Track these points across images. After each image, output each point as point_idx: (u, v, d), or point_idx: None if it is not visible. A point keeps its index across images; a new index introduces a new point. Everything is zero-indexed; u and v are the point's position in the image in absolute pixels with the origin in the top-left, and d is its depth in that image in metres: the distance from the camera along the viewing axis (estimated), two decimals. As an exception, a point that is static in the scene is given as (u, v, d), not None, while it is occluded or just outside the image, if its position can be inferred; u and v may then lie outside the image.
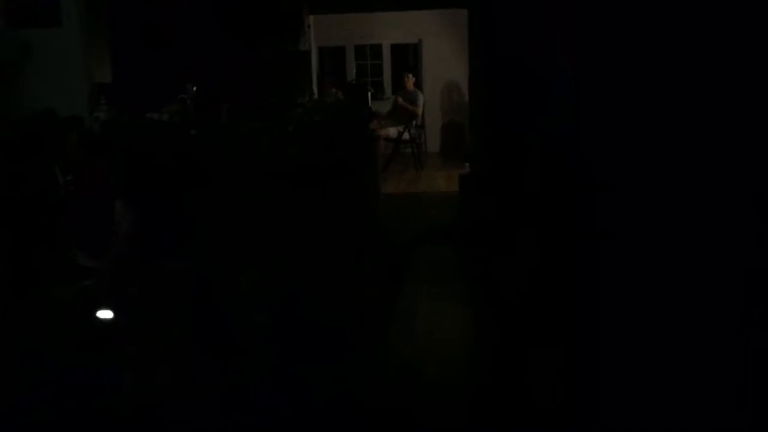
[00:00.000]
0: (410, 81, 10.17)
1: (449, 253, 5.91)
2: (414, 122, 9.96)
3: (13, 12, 5.39)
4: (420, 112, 10.14)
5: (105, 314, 4.31)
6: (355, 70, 11.75)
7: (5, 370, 3.77)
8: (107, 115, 5.26)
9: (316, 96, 8.65)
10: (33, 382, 3.61)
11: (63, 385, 3.59)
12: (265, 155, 5.16)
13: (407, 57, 11.81)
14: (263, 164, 5.36)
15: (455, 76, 11.05)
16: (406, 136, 9.76)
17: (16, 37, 5.32)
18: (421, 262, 5.64)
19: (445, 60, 11.13)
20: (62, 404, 3.38)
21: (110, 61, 5.60)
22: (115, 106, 5.31)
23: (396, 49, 11.80)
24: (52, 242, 4.88)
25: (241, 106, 5.57)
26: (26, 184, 4.91)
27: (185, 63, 5.78)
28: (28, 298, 4.57)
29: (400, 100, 9.98)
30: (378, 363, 3.83)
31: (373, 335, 4.22)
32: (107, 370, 3.72)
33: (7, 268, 4.63)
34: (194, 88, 5.24)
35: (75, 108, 5.29)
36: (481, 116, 6.49)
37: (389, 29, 11.45)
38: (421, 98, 10.11)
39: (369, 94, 8.27)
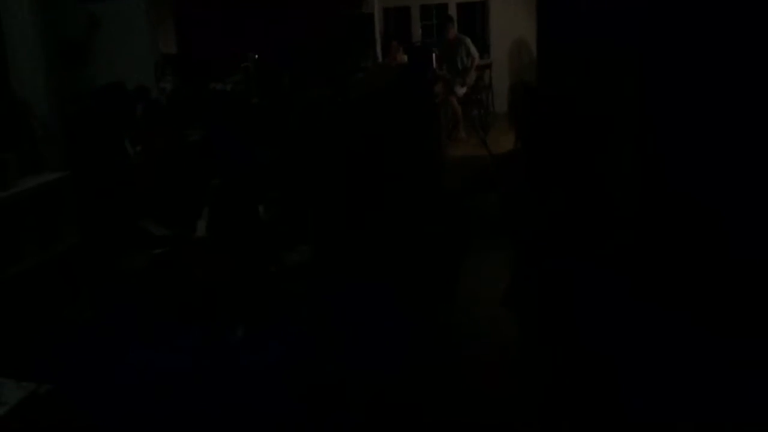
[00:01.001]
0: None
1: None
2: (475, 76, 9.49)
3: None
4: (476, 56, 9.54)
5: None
6: (420, 32, 11.56)
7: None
8: (173, 86, 5.35)
9: (380, 59, 8.56)
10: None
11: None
12: (327, 123, 5.16)
13: (474, 16, 11.53)
14: (325, 132, 5.36)
15: (524, 35, 10.73)
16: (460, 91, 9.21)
17: (84, 12, 5.44)
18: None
19: (512, 18, 10.81)
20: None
21: (175, 31, 5.67)
22: (181, 77, 5.39)
23: (462, 7, 11.52)
24: (124, 213, 5.05)
25: (304, 73, 5.57)
26: (98, 157, 5.07)
27: (248, 31, 5.80)
28: (104, 267, 4.76)
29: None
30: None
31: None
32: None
33: (83, 239, 4.82)
34: (256, 57, 5.26)
35: (142, 80, 5.40)
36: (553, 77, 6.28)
37: (455, -14, 11.20)
38: (468, 45, 9.47)
39: (434, 56, 8.13)
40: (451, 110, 9.09)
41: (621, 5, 4.27)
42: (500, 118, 10.80)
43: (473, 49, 9.45)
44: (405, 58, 8.64)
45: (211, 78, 5.42)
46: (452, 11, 11.51)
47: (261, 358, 3.66)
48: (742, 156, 3.19)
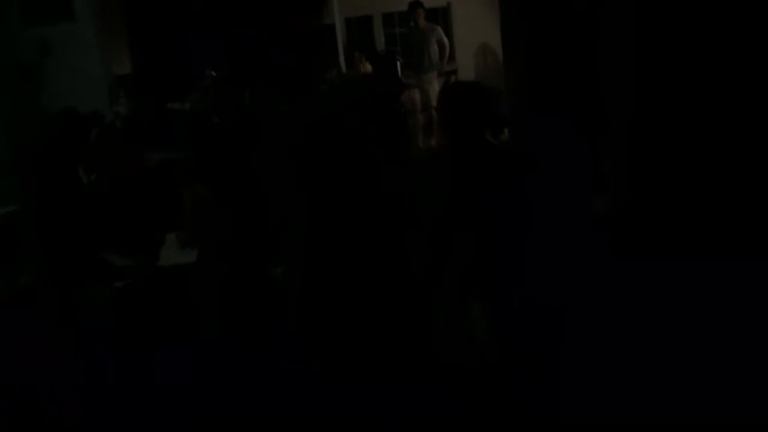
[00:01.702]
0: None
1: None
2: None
3: (28, 8, 5.27)
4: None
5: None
6: (383, 40, 11.43)
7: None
8: (127, 108, 5.12)
9: (344, 70, 8.40)
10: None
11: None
12: (292, 142, 4.95)
13: (437, 22, 11.43)
14: (291, 151, 5.15)
15: (488, 39, 10.65)
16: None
17: (34, 36, 5.20)
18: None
19: (475, 23, 10.73)
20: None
21: (128, 51, 5.45)
22: (136, 99, 5.17)
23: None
24: (83, 245, 4.80)
25: (265, 88, 5.38)
26: (51, 188, 4.82)
27: (206, 47, 5.60)
28: (65, 304, 4.51)
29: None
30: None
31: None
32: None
33: (40, 274, 4.57)
34: (213, 74, 5.07)
35: (96, 103, 5.17)
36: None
37: (417, -7, 11.07)
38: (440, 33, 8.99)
39: (398, 64, 7.99)
40: (424, 115, 8.70)
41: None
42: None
43: (445, 39, 9.04)
44: (369, 67, 8.50)
45: (168, 98, 5.21)
46: (415, 18, 11.40)
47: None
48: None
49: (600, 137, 4.18)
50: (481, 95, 3.33)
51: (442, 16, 11.40)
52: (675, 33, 2.82)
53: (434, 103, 9.05)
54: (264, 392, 3.56)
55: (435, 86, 8.99)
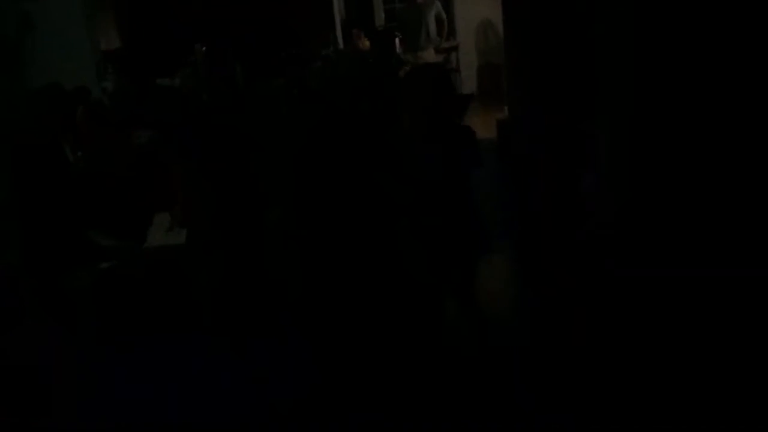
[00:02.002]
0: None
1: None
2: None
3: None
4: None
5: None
6: (383, 16, 11.21)
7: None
8: (115, 84, 4.97)
9: (341, 46, 8.21)
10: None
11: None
12: (284, 119, 4.82)
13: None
14: (283, 128, 5.01)
15: (489, 15, 10.43)
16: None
17: (15, 11, 5.03)
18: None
19: (476, -1, 10.50)
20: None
21: (116, 25, 5.28)
22: (123, 75, 5.01)
23: (425, -11, 11.17)
24: (68, 225, 4.67)
25: (257, 63, 5.21)
26: (36, 167, 4.68)
27: (195, 19, 5.40)
28: (47, 285, 4.39)
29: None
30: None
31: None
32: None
33: (23, 255, 4.44)
34: (203, 48, 4.90)
35: (82, 80, 5.01)
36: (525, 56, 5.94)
37: (418, -33, 10.83)
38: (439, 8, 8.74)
39: (397, 41, 7.80)
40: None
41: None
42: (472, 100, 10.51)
43: (444, 14, 8.83)
44: (368, 44, 8.30)
45: (156, 73, 5.05)
46: (415, -7, 11.17)
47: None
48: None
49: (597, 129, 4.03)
50: (440, 79, 3.25)
51: (443, -9, 11.19)
52: (675, 26, 2.67)
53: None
54: (256, 387, 3.45)
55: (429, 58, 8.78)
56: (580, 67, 4.50)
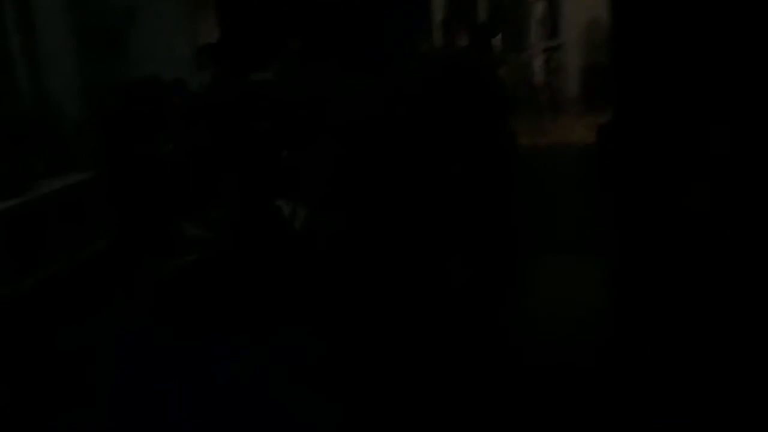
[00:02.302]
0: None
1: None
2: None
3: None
4: None
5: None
6: (487, 13, 10.91)
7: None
8: (210, 77, 5.01)
9: (437, 43, 8.01)
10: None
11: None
12: (373, 117, 4.71)
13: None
14: (370, 127, 4.90)
15: (597, 13, 9.97)
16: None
17: (121, 2, 5.16)
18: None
19: (586, -6, 10.05)
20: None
21: (215, 18, 5.34)
22: (220, 68, 5.05)
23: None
24: (158, 215, 4.76)
25: (350, 60, 5.13)
26: (131, 156, 4.79)
27: (294, 15, 5.38)
28: (132, 274, 4.47)
29: None
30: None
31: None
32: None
33: (114, 243, 4.56)
34: (298, 42, 4.87)
35: (180, 72, 5.08)
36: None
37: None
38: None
39: (499, 38, 7.53)
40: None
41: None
42: (571, 103, 10.12)
43: (549, 12, 8.33)
44: (467, 41, 8.06)
45: (253, 68, 5.06)
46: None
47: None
48: None
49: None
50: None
51: (549, -13, 10.78)
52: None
53: (537, 80, 8.43)
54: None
55: (538, 62, 8.39)
56: (696, 68, 4.18)
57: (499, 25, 8.60)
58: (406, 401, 2.96)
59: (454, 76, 5.94)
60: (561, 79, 9.78)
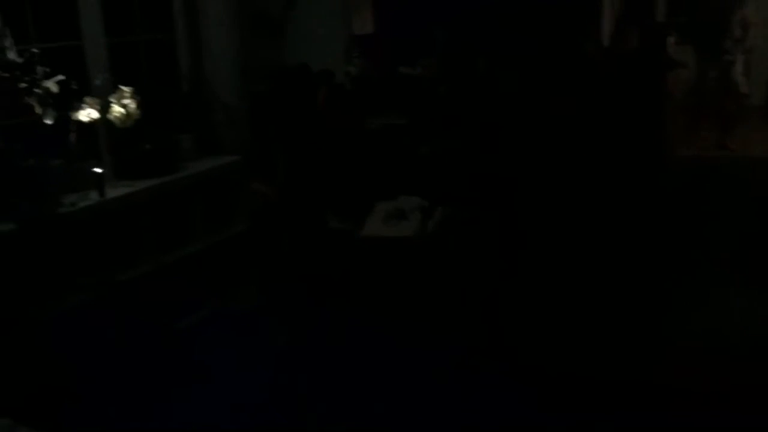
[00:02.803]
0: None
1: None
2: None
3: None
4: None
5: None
6: (666, 10, 10.15)
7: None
8: (359, 69, 5.03)
9: (605, 42, 7.54)
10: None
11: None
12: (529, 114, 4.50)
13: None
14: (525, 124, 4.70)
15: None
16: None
17: (281, -11, 5.30)
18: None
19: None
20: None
21: (372, 10, 5.34)
22: (368, 60, 5.06)
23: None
24: (300, 202, 4.85)
25: (503, 55, 4.93)
26: (275, 142, 4.92)
27: (452, 8, 5.24)
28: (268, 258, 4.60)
29: None
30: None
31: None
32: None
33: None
34: (446, 36, 4.76)
35: (332, 61, 5.15)
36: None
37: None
38: None
39: (673, 39, 6.97)
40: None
41: None
42: (755, 112, 9.18)
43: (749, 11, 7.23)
44: (638, 41, 7.52)
45: (401, 61, 5.02)
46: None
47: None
48: None
49: None
50: None
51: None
52: None
53: (743, 90, 7.47)
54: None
55: (738, 69, 7.45)
56: None
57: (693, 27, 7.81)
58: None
59: (626, 76, 5.58)
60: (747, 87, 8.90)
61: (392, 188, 4.63)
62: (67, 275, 3.52)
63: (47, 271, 3.42)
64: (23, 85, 3.53)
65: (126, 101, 3.83)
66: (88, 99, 3.80)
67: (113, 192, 3.78)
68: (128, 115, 3.83)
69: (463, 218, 4.76)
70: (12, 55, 3.54)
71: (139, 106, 3.88)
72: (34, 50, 3.61)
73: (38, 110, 3.57)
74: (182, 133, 4.45)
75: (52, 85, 3.60)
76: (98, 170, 3.68)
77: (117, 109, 3.80)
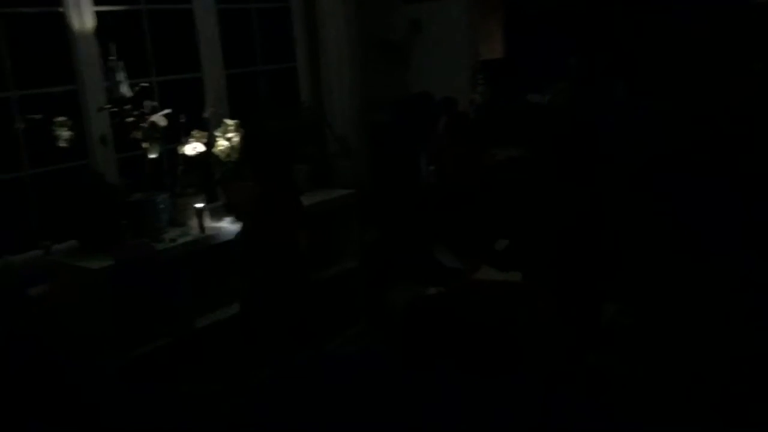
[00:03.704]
0: None
1: None
2: None
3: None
4: None
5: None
6: None
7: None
8: (483, 97, 4.69)
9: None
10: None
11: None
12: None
13: None
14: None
15: None
16: None
17: (407, 14, 5.10)
18: None
19: None
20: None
21: (501, 35, 4.99)
22: (495, 87, 4.71)
23: None
24: (413, 239, 4.58)
25: (643, 81, 4.40)
26: (389, 174, 4.69)
27: (575, 31, 4.77)
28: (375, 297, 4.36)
29: None
30: None
31: None
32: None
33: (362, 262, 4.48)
34: (579, 61, 4.33)
35: (458, 88, 4.85)
36: None
37: None
38: None
39: None
40: None
41: None
42: None
43: None
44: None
45: (530, 88, 4.63)
46: None
47: None
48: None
49: None
50: None
51: None
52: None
53: None
54: None
55: None
56: None
57: None
58: None
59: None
60: None
61: (516, 227, 4.22)
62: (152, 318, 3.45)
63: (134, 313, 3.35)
64: (130, 119, 3.53)
65: (230, 134, 3.74)
66: (195, 132, 3.74)
67: (214, 226, 3.69)
68: (232, 148, 3.73)
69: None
70: (124, 89, 3.56)
71: (245, 139, 3.77)
72: (144, 84, 3.62)
73: (144, 144, 3.56)
74: (294, 164, 4.31)
75: (159, 118, 3.58)
76: (200, 205, 3.59)
77: (221, 143, 3.71)
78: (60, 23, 3.60)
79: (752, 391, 3.21)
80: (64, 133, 3.41)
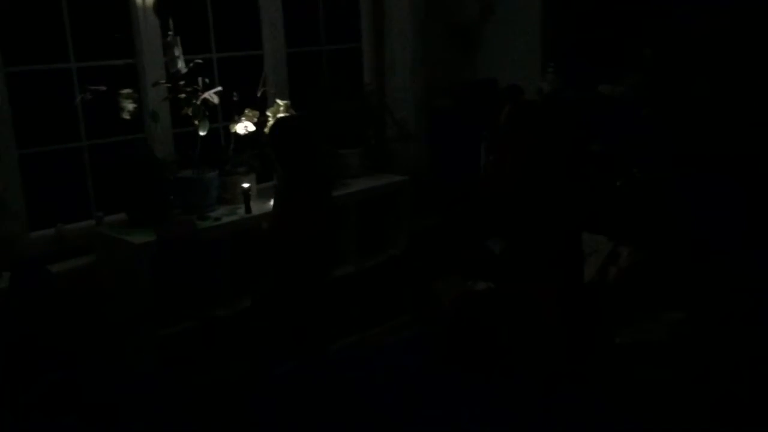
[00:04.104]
0: None
1: None
2: None
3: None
4: None
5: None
6: None
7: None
8: (552, 85, 4.47)
9: None
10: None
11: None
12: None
13: None
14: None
15: None
16: None
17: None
18: None
19: None
20: None
21: (576, 20, 4.72)
22: (564, 76, 4.48)
23: None
24: (467, 230, 4.45)
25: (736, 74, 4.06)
26: (446, 162, 4.56)
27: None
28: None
29: None
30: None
31: None
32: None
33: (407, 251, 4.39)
34: (652, 51, 4.05)
35: (526, 75, 4.64)
36: None
37: None
38: None
39: None
40: None
41: None
42: None
43: None
44: None
45: (602, 78, 4.37)
46: None
47: None
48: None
49: None
50: None
51: None
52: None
53: None
54: None
55: None
56: None
57: None
58: None
59: None
60: None
61: (575, 223, 4.02)
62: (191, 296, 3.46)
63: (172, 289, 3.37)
64: (183, 95, 3.54)
65: (281, 115, 3.70)
66: (247, 111, 3.73)
67: (261, 207, 3.67)
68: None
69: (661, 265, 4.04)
70: (180, 65, 3.57)
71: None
72: (199, 60, 3.62)
73: (195, 121, 3.56)
74: (350, 148, 4.25)
75: (211, 96, 3.58)
76: (246, 185, 3.58)
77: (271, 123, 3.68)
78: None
79: (752, 391, 3.02)
80: (129, 105, 3.47)
